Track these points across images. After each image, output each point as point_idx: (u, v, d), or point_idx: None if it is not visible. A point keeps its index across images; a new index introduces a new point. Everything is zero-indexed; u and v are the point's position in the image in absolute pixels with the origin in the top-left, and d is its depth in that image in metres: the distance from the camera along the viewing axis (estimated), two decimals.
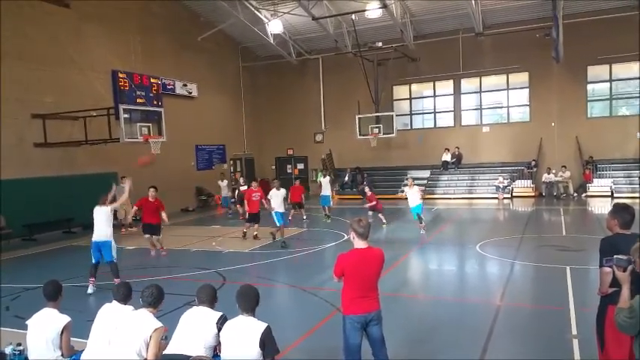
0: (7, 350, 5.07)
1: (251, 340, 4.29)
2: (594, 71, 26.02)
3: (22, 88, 17.86)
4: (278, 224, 14.52)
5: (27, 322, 5.22)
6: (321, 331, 7.59)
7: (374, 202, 17.68)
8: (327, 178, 20.78)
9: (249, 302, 4.50)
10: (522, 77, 27.30)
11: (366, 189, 18.44)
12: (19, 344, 5.14)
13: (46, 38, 18.93)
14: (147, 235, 13.78)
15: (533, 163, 26.06)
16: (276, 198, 14.74)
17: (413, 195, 15.85)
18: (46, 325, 5.07)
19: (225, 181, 24.22)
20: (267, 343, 4.32)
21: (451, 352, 6.69)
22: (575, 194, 24.85)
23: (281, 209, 14.75)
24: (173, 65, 25.21)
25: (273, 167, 32.90)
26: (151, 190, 13.61)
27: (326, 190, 20.06)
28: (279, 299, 9.34)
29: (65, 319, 5.13)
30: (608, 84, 26.16)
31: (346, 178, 28.77)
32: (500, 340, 7.04)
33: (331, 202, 20.33)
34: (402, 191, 20.84)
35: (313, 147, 31.61)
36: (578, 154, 25.78)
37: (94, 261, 10.27)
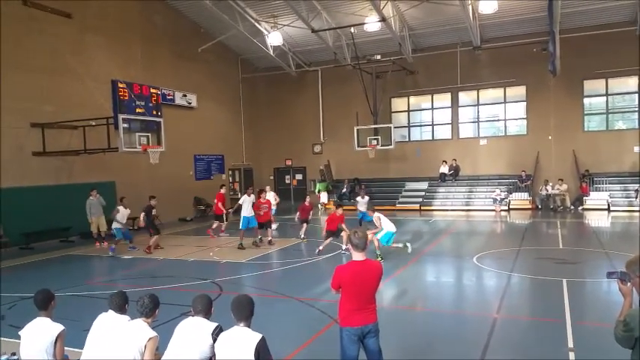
0: None
1: (245, 351, 4.26)
2: (591, 85, 26.20)
3: (21, 97, 17.88)
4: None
5: (20, 333, 5.10)
6: (318, 342, 7.57)
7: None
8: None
9: (243, 311, 4.47)
10: (519, 91, 27.45)
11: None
12: (14, 354, 5.06)
13: (48, 48, 19.00)
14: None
15: (523, 175, 26.03)
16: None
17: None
18: (39, 335, 4.96)
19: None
20: (262, 353, 4.28)
21: None
22: (572, 207, 24.86)
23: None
24: (173, 76, 25.30)
25: (272, 177, 32.92)
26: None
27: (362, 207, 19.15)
28: (276, 310, 9.32)
29: (59, 327, 5.02)
30: (604, 98, 26.29)
31: (344, 189, 28.80)
32: (497, 352, 7.03)
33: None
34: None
35: (312, 158, 31.68)
36: (574, 167, 25.86)
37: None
